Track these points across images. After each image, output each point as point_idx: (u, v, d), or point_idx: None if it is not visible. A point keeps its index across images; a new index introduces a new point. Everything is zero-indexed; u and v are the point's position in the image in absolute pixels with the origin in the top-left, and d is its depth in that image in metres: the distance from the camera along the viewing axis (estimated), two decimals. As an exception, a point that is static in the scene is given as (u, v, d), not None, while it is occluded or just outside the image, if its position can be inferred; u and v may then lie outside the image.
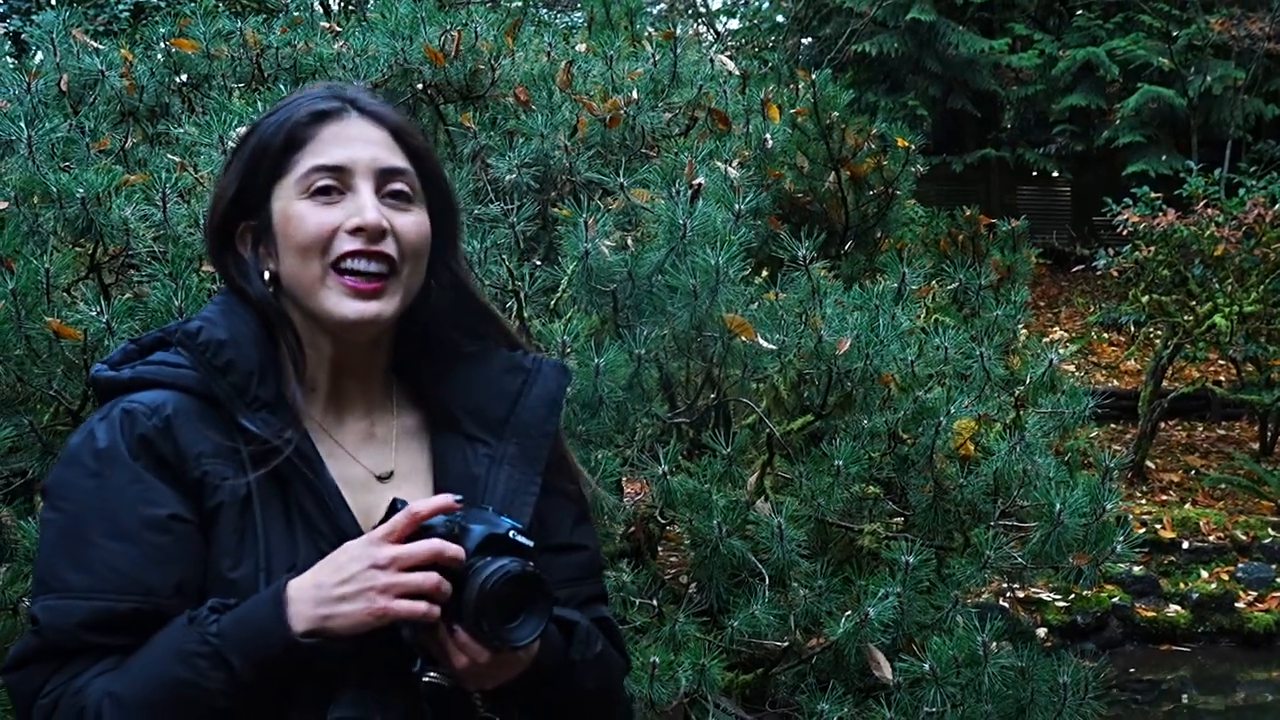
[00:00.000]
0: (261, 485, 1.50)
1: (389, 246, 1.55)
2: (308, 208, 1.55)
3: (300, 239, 1.55)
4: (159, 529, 1.47)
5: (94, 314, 2.83)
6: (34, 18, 4.94)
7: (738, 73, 5.00)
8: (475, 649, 1.44)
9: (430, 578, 1.42)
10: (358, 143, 1.58)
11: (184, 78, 4.24)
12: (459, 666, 1.45)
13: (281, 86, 3.85)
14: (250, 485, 1.49)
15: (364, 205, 1.54)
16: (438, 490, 1.62)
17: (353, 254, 1.54)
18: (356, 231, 1.53)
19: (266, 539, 1.49)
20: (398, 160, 1.59)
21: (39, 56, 4.23)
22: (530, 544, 1.48)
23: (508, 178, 3.71)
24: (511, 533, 1.48)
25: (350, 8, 11.33)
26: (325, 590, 1.41)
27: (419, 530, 1.45)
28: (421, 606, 1.41)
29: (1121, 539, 3.51)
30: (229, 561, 1.48)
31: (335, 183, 1.56)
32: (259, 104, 3.49)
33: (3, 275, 2.78)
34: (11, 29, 10.36)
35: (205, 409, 1.53)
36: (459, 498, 1.49)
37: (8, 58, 4.09)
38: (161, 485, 1.48)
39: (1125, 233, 10.90)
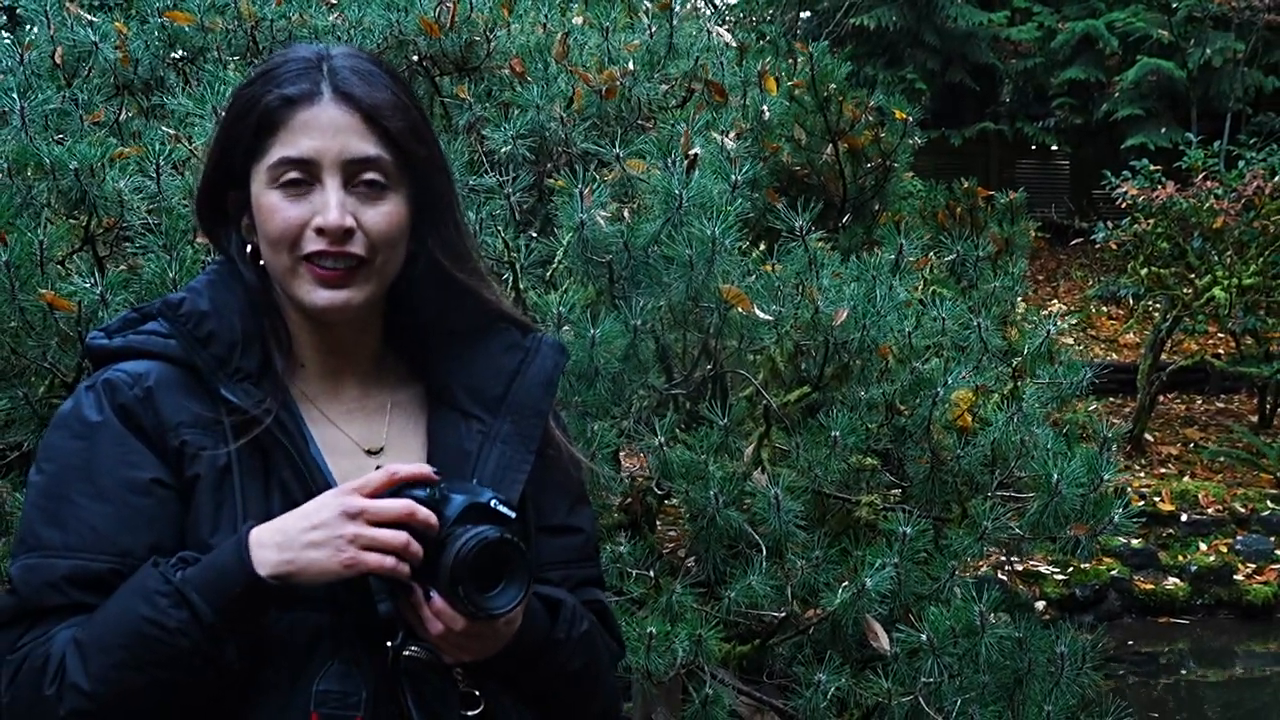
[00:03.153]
0: (241, 456, 1.50)
1: (355, 245, 1.53)
2: (277, 200, 1.53)
3: (269, 233, 1.54)
4: (140, 491, 1.47)
5: (88, 286, 2.82)
6: (28, -9, 4.92)
7: (735, 45, 4.98)
8: (451, 616, 1.43)
9: (399, 536, 1.41)
10: (327, 131, 1.53)
11: (179, 52, 4.21)
12: (435, 634, 1.45)
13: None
14: (230, 455, 1.49)
15: (329, 204, 1.51)
16: (429, 464, 1.61)
17: (318, 254, 1.52)
18: (320, 232, 1.52)
19: (244, 508, 1.48)
20: (368, 147, 1.54)
21: (32, 29, 4.21)
22: (512, 514, 1.47)
23: (503, 149, 3.69)
24: (493, 502, 1.47)
25: (346, -19, 11.25)
26: (292, 535, 1.41)
27: (396, 493, 1.44)
28: (389, 561, 1.40)
29: (1120, 510, 3.50)
30: (207, 529, 1.48)
31: (303, 174, 1.53)
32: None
33: (-4, 247, 2.77)
34: (6, 3, 10.30)
35: (188, 379, 1.53)
36: (437, 470, 1.48)
37: (2, 32, 4.05)
38: (143, 450, 1.49)
39: (1124, 206, 10.90)
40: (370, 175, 1.55)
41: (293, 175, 1.53)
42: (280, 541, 1.41)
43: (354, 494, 1.42)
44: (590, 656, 1.66)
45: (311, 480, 1.51)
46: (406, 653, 1.47)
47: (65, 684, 1.39)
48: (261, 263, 1.58)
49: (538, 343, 1.69)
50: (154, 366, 1.53)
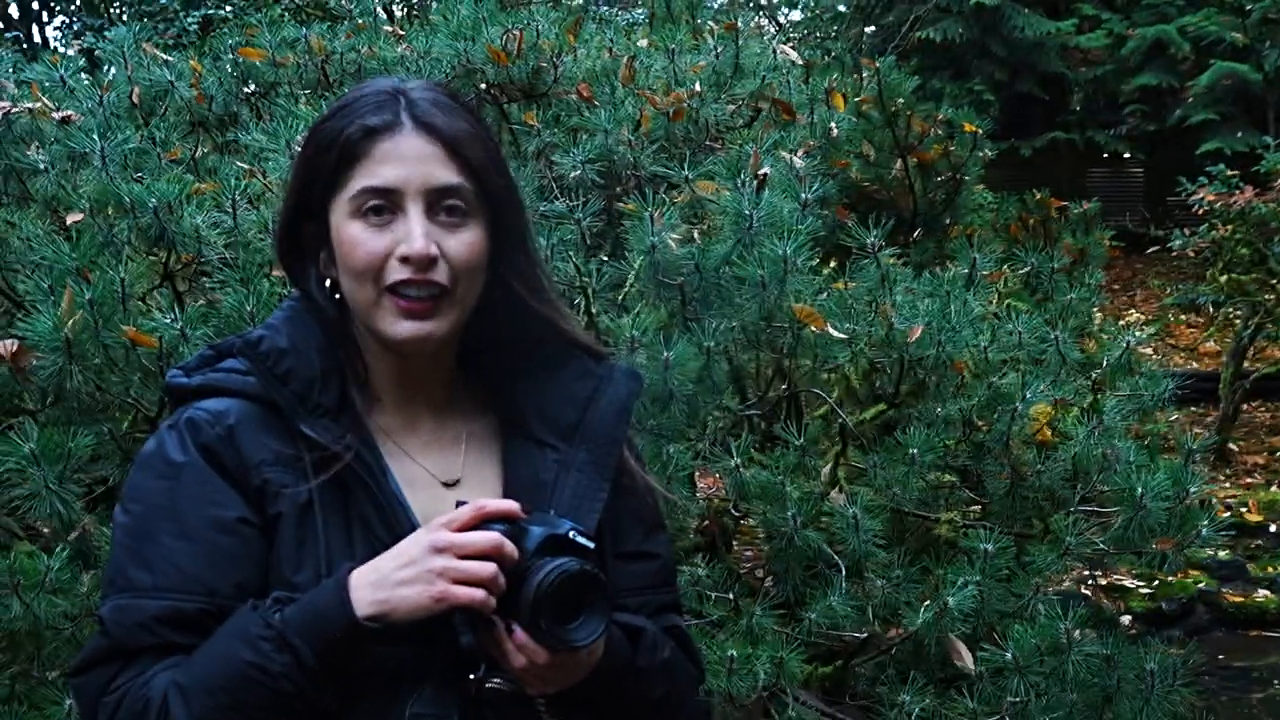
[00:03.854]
0: (323, 492, 1.51)
1: (439, 274, 1.53)
2: (359, 231, 1.54)
3: (352, 264, 1.54)
4: (225, 530, 1.49)
5: (168, 321, 2.87)
6: (106, 34, 5.02)
7: (801, 62, 4.97)
8: (534, 649, 1.43)
9: (487, 567, 1.41)
10: (409, 160, 1.54)
11: (251, 87, 4.29)
12: (517, 667, 1.45)
13: (346, 91, 3.88)
14: (311, 492, 1.50)
15: (413, 233, 1.52)
16: (506, 495, 1.61)
17: (403, 283, 1.53)
18: (405, 260, 1.52)
19: (327, 545, 1.49)
20: (450, 176, 1.55)
21: (110, 71, 4.31)
22: (590, 545, 1.47)
23: (572, 174, 3.70)
24: (571, 533, 1.47)
25: (413, 11, 11.42)
26: (385, 574, 1.42)
27: (481, 526, 1.45)
28: (480, 594, 1.41)
29: (1206, 522, 3.43)
30: (290, 567, 1.49)
31: (385, 203, 1.53)
32: (325, 109, 3.52)
33: (80, 285, 2.82)
34: (86, 45, 10.55)
35: (268, 416, 1.54)
36: (522, 505, 1.48)
37: (82, 74, 4.15)
38: (227, 489, 1.50)
39: (1201, 212, 10.71)
40: (452, 202, 1.55)
41: (375, 203, 1.53)
42: (374, 581, 1.42)
43: (441, 529, 1.43)
44: (672, 683, 1.66)
45: (393, 515, 1.52)
46: (489, 684, 1.48)
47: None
48: (338, 296, 1.59)
49: (611, 370, 1.69)
50: (234, 404, 1.54)
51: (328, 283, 1.60)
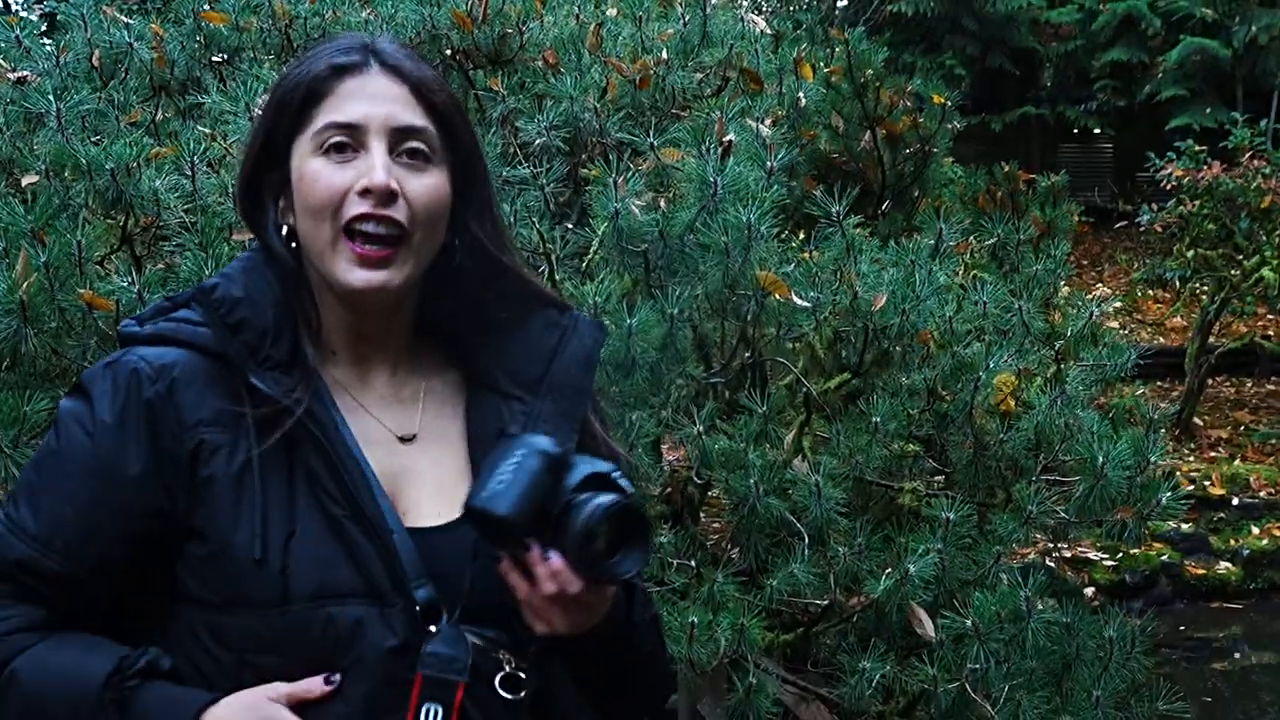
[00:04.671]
0: (265, 452, 1.48)
1: (398, 211, 1.51)
2: (321, 166, 1.52)
3: (312, 200, 1.52)
4: (121, 487, 1.47)
5: (126, 285, 2.84)
6: (67, -3, 4.97)
7: (770, 33, 4.95)
8: (569, 577, 1.44)
9: None
10: (375, 99, 1.53)
11: (215, 54, 4.23)
12: (547, 594, 1.45)
13: (309, 55, 3.84)
14: (249, 451, 1.48)
15: (374, 165, 1.50)
16: (470, 447, 1.60)
17: (361, 217, 1.50)
18: (365, 193, 1.50)
19: (264, 503, 1.46)
20: (415, 118, 1.54)
21: (70, 35, 4.25)
22: (629, 488, 1.49)
23: (537, 141, 3.68)
24: (614, 474, 1.49)
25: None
26: None
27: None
28: None
29: (1167, 493, 3.46)
30: (227, 527, 1.46)
31: (348, 140, 1.52)
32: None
33: (35, 248, 2.79)
34: (47, 10, 10.40)
35: (216, 370, 1.51)
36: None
37: (41, 37, 4.10)
38: (144, 448, 1.48)
39: (1169, 187, 10.77)
40: (415, 144, 1.54)
41: (338, 139, 1.52)
42: None
43: (280, 708, 1.43)
44: (657, 642, 1.69)
45: (344, 469, 1.49)
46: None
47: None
48: (294, 245, 1.57)
49: (575, 320, 1.67)
50: (181, 356, 1.51)
51: (284, 230, 1.57)
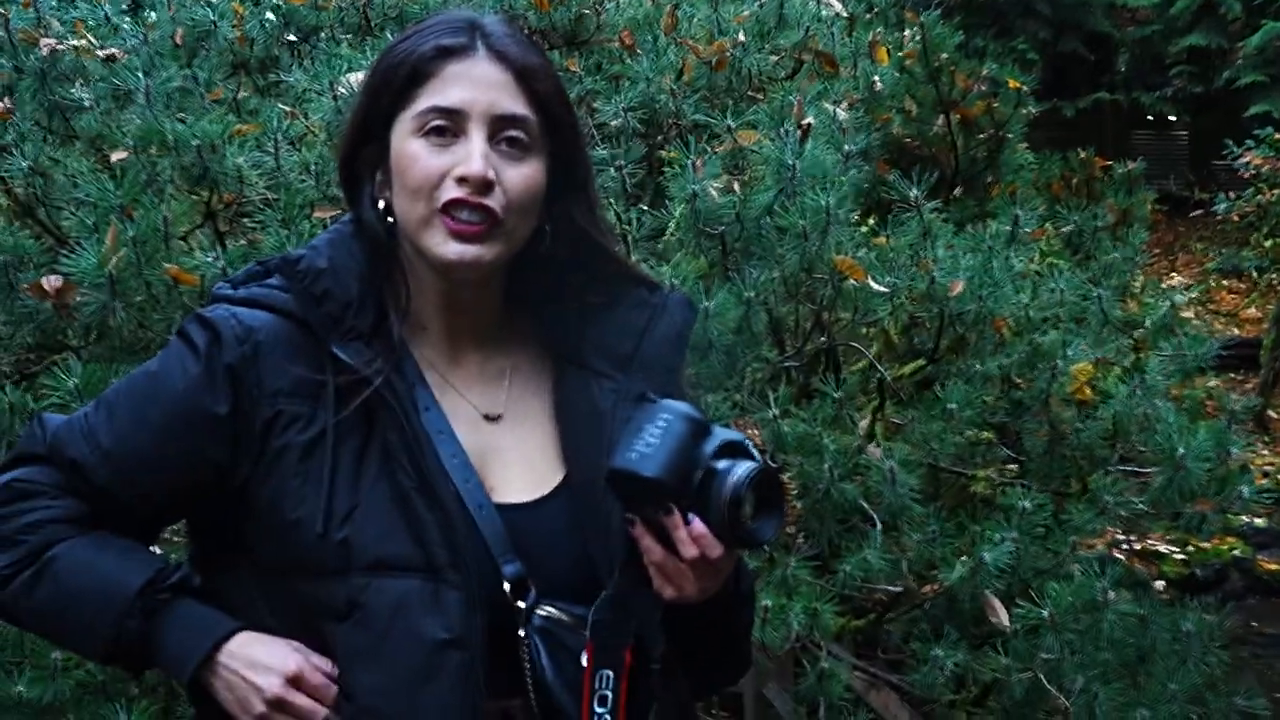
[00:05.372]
0: (341, 423, 1.50)
1: (493, 200, 1.52)
2: (420, 148, 1.52)
3: (409, 180, 1.53)
4: (198, 428, 1.51)
5: (210, 260, 2.88)
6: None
7: (845, 15, 4.92)
8: (711, 541, 1.45)
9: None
10: (479, 85, 1.53)
11: (292, 36, 4.27)
12: (688, 558, 1.46)
13: (389, 35, 3.87)
14: (326, 424, 1.49)
15: (473, 153, 1.51)
16: (561, 428, 1.61)
17: (456, 203, 1.51)
18: (462, 181, 1.51)
19: (332, 479, 1.48)
20: (517, 106, 1.54)
21: (152, 15, 4.30)
22: (759, 455, 1.51)
23: (614, 122, 3.68)
24: (746, 442, 1.50)
25: (454, -39, 11.34)
26: (240, 671, 1.50)
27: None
28: None
29: (1247, 486, 3.41)
30: (292, 503, 1.48)
31: (449, 124, 1.52)
32: (368, 52, 3.51)
33: (124, 223, 2.83)
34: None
35: (301, 338, 1.52)
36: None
37: (124, 14, 4.15)
38: (227, 398, 1.50)
39: (1247, 176, 10.60)
40: (514, 133, 1.54)
41: (438, 123, 1.52)
42: (233, 666, 1.50)
43: (286, 683, 1.48)
44: (752, 617, 1.74)
45: (417, 446, 1.50)
46: (542, 612, 1.49)
47: (29, 581, 1.54)
48: (390, 220, 1.58)
49: (665, 299, 1.67)
50: (269, 320, 1.52)
51: (380, 204, 1.58)
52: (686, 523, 1.46)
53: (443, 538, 1.47)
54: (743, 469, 1.45)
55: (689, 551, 1.46)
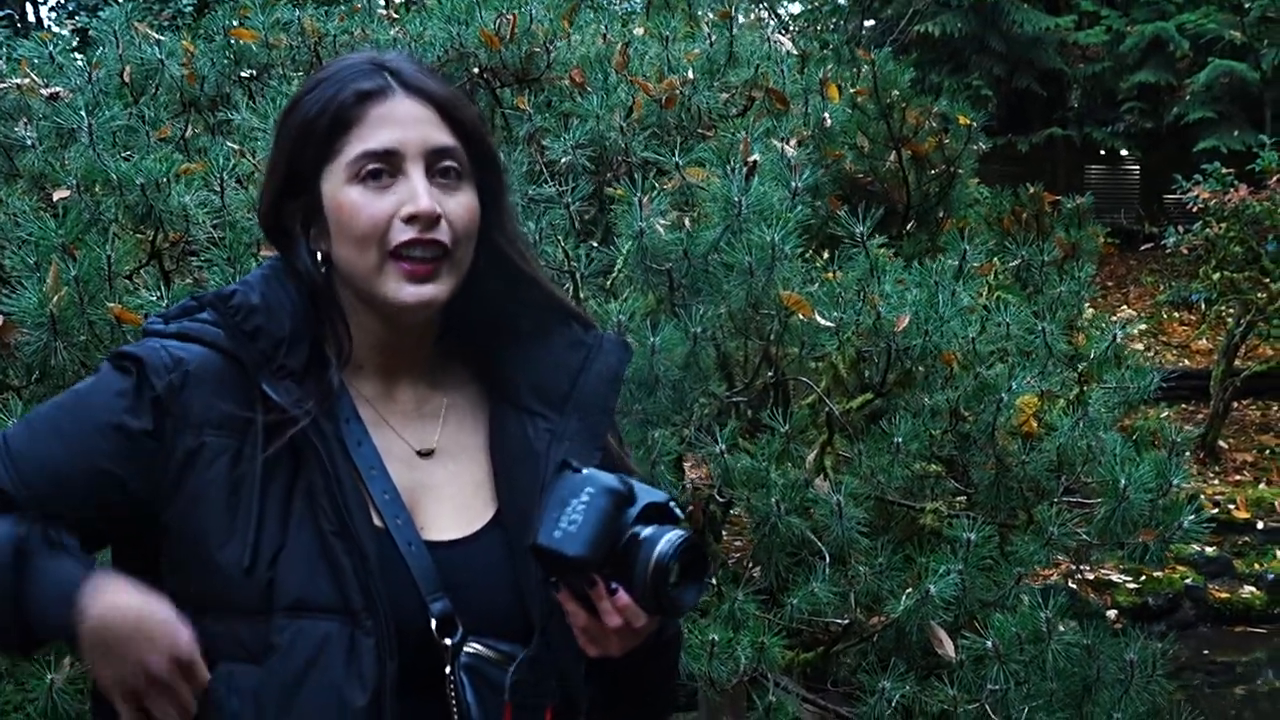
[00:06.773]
0: (269, 460, 1.48)
1: (443, 233, 1.52)
2: (359, 195, 1.52)
3: (355, 229, 1.53)
4: (116, 442, 1.47)
5: (154, 299, 2.87)
6: (100, 14, 5.02)
7: (796, 52, 4.97)
8: (635, 611, 1.46)
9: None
10: (406, 123, 1.54)
11: (245, 70, 4.28)
12: (612, 626, 1.47)
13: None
14: (253, 460, 1.48)
15: (418, 192, 1.51)
16: (493, 464, 1.61)
17: (409, 243, 1.52)
18: (411, 220, 1.51)
19: (260, 516, 1.47)
20: (446, 138, 1.56)
21: (102, 50, 4.30)
22: (681, 516, 1.51)
23: (563, 159, 3.70)
24: (670, 503, 1.50)
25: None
26: (121, 618, 1.42)
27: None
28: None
29: (1190, 515, 3.44)
30: (217, 539, 1.46)
31: (385, 166, 1.53)
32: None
33: (66, 262, 2.82)
34: (80, 25, 10.53)
35: (232, 373, 1.51)
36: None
37: (73, 53, 4.15)
38: (148, 422, 1.48)
39: (1196, 210, 10.73)
40: (448, 163, 1.55)
41: (374, 167, 1.52)
42: (105, 619, 1.41)
43: (165, 651, 1.41)
44: (678, 660, 1.72)
45: (337, 484, 1.49)
46: (469, 649, 1.48)
47: None
48: (324, 269, 1.57)
49: (600, 339, 1.68)
50: (200, 353, 1.51)
51: (319, 255, 1.58)
52: (611, 592, 1.47)
53: (358, 583, 1.45)
54: (666, 540, 1.45)
55: (613, 621, 1.47)
